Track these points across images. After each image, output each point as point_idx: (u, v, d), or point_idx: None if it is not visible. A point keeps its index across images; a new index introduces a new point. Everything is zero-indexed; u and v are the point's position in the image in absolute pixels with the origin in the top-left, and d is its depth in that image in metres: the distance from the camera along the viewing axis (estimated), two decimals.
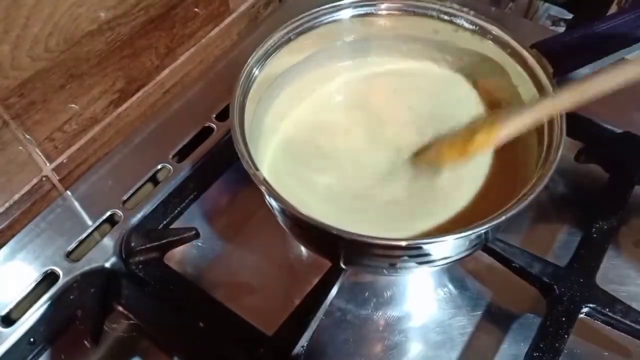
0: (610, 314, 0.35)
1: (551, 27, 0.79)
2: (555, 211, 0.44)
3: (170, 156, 0.47)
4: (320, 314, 0.36)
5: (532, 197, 0.31)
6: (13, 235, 0.43)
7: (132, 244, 0.40)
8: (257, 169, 0.32)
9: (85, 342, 0.37)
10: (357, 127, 0.42)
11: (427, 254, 0.33)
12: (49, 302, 0.39)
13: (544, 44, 0.39)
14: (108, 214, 0.44)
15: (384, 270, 0.38)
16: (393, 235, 0.35)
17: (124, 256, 0.40)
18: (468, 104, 0.42)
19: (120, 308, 0.37)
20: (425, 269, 0.40)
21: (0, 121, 0.39)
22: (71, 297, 0.38)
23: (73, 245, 0.42)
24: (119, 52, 0.45)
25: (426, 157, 0.39)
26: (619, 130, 0.45)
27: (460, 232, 0.30)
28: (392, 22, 0.42)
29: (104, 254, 0.41)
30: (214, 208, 0.46)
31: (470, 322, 0.38)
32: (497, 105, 0.42)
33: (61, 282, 0.40)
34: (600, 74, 0.32)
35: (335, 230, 0.30)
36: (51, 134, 0.43)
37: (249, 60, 0.38)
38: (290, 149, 0.41)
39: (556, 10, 0.81)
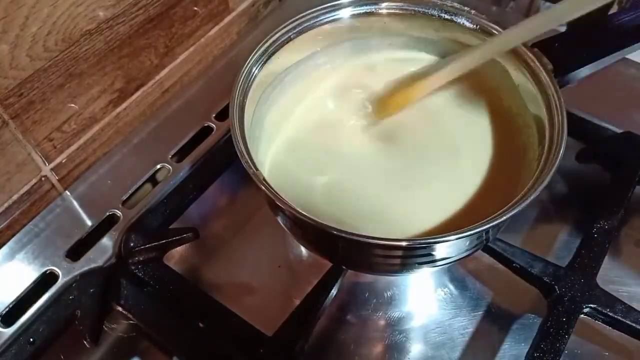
0: (610, 314, 0.35)
1: None
2: (556, 211, 0.44)
3: (170, 156, 0.47)
4: (320, 314, 0.36)
5: (533, 196, 0.30)
6: (12, 235, 0.43)
7: (132, 244, 0.40)
8: (257, 169, 0.32)
9: (85, 342, 0.37)
10: (357, 125, 0.42)
11: (428, 254, 0.33)
12: (48, 302, 0.39)
13: (545, 43, 0.38)
14: (107, 214, 0.44)
15: (384, 271, 0.38)
16: (394, 235, 0.35)
17: (123, 256, 0.40)
18: (468, 103, 0.42)
19: (119, 308, 0.37)
20: (426, 269, 0.40)
21: (0, 121, 0.39)
22: (70, 297, 0.38)
23: (72, 245, 0.42)
24: (118, 52, 0.45)
25: (384, 105, 0.42)
26: (620, 130, 0.45)
27: (461, 232, 0.30)
28: (392, 21, 0.42)
29: (103, 254, 0.41)
30: (214, 208, 0.45)
31: (471, 322, 0.38)
32: (498, 104, 0.42)
33: (60, 282, 0.40)
34: (522, 23, 0.34)
35: (335, 230, 0.30)
36: (50, 133, 0.43)
37: (248, 60, 0.38)
38: (290, 148, 0.41)
39: None
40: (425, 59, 0.44)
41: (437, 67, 0.40)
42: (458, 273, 0.41)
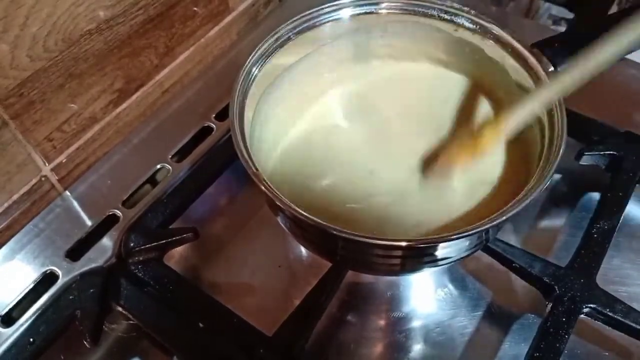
0: (610, 314, 0.35)
1: (552, 27, 0.78)
2: (555, 211, 0.44)
3: (170, 156, 0.47)
4: (320, 314, 0.36)
5: (532, 196, 0.30)
6: (12, 236, 0.43)
7: (132, 244, 0.40)
8: (256, 169, 0.32)
9: (85, 342, 0.36)
10: (357, 127, 0.42)
11: (428, 254, 0.33)
12: (48, 302, 0.39)
13: (544, 43, 0.38)
14: (107, 213, 0.44)
15: (384, 271, 0.38)
16: (394, 235, 0.35)
17: (123, 256, 0.40)
18: (469, 103, 0.42)
19: (119, 308, 0.37)
20: (426, 270, 0.40)
21: (0, 121, 0.39)
22: (70, 297, 0.38)
23: (72, 245, 0.42)
24: (118, 52, 0.45)
25: (436, 164, 0.39)
26: (620, 130, 0.45)
27: (461, 232, 0.30)
28: (392, 22, 0.42)
29: (103, 254, 0.41)
30: (214, 208, 0.45)
31: (471, 322, 0.38)
32: (498, 104, 0.42)
33: (60, 282, 0.40)
34: (591, 51, 0.32)
35: (335, 230, 0.30)
36: (50, 133, 0.43)
37: (248, 60, 0.38)
38: (290, 148, 0.41)
39: (557, 10, 0.81)
40: (425, 58, 0.44)
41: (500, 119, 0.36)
42: (458, 273, 0.41)
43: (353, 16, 0.42)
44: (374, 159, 0.40)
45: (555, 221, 0.43)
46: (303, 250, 0.42)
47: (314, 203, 0.37)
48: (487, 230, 0.31)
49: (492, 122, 0.36)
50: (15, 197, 0.43)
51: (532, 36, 0.39)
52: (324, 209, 0.37)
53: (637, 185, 0.42)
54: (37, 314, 0.39)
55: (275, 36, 0.39)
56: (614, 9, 0.66)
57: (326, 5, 0.41)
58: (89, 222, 0.43)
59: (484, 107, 0.42)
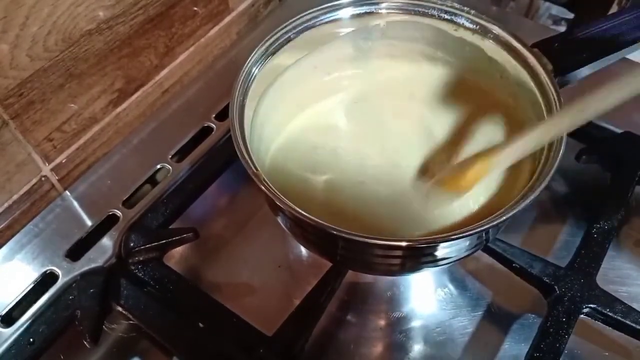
0: (610, 314, 0.35)
1: (552, 27, 0.78)
2: (555, 211, 0.44)
3: (170, 156, 0.47)
4: (320, 314, 0.36)
5: (532, 197, 0.30)
6: (12, 236, 0.43)
7: (132, 244, 0.40)
8: (257, 169, 0.32)
9: (85, 343, 0.37)
10: (357, 127, 0.42)
11: (428, 254, 0.33)
12: (48, 303, 0.39)
13: (544, 43, 0.38)
14: (107, 214, 0.44)
15: (384, 271, 0.38)
16: (394, 234, 0.35)
17: (123, 256, 0.40)
18: (468, 104, 0.42)
19: (119, 308, 0.37)
20: (426, 270, 0.40)
21: (0, 121, 0.39)
22: (70, 297, 0.38)
23: (72, 245, 0.42)
24: (118, 52, 0.45)
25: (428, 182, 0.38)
26: (620, 130, 0.45)
27: (461, 232, 0.30)
28: (392, 22, 0.42)
29: (103, 254, 0.41)
30: (214, 208, 0.45)
31: (471, 322, 0.38)
32: (497, 105, 0.42)
33: (60, 282, 0.40)
34: (599, 91, 0.29)
35: (335, 230, 0.30)
36: (50, 133, 0.43)
37: (248, 60, 0.38)
38: (290, 148, 0.41)
39: (557, 10, 0.81)
40: (425, 58, 0.44)
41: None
42: (458, 273, 0.41)
43: (353, 16, 0.42)
44: (371, 157, 0.40)
45: (555, 221, 0.43)
46: (303, 250, 0.42)
47: (314, 200, 0.37)
48: (487, 230, 0.31)
49: (483, 157, 0.34)
50: (15, 197, 0.43)
51: (532, 36, 0.39)
52: (323, 206, 0.37)
53: (637, 185, 0.42)
54: (37, 314, 0.39)
55: (275, 36, 0.39)
56: (614, 8, 0.66)
57: (326, 5, 0.41)
58: (89, 222, 0.43)
59: (482, 108, 0.42)
